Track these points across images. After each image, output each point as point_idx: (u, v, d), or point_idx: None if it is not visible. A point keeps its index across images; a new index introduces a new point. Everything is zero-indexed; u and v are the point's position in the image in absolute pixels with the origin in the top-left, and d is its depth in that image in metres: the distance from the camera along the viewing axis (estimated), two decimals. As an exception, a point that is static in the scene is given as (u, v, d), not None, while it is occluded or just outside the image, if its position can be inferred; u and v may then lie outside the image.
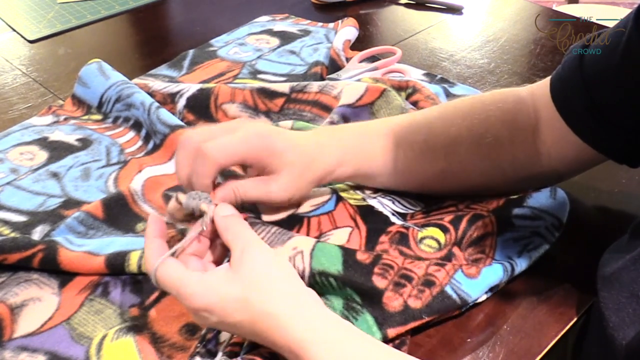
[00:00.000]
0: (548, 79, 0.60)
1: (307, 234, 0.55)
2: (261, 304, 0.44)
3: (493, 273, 0.54)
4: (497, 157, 0.59)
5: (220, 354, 0.49)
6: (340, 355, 0.43)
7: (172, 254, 0.49)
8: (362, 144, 0.59)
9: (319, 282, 0.50)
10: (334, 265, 0.50)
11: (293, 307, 0.45)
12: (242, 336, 0.48)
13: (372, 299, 0.50)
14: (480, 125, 0.59)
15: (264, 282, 0.46)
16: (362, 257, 0.51)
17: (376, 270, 0.51)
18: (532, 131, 0.59)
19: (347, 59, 0.89)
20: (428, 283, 0.51)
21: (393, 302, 0.50)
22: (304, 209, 0.56)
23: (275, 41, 0.96)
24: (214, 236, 0.51)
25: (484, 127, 0.59)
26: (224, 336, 0.51)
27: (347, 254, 0.51)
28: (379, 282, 0.50)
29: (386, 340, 0.49)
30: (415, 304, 0.50)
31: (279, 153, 0.53)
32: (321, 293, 0.50)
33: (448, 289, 0.51)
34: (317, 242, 0.51)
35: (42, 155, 0.73)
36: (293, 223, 0.54)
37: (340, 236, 0.55)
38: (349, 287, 0.50)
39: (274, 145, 0.53)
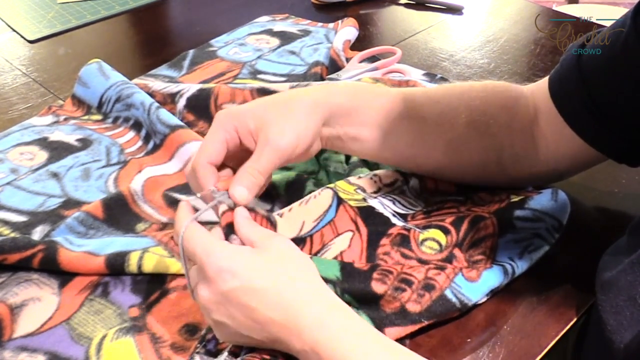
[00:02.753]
0: (546, 78, 0.60)
1: (310, 250, 0.55)
2: (292, 276, 0.46)
3: (493, 276, 0.54)
4: (494, 140, 0.58)
5: (225, 354, 0.49)
6: (361, 331, 0.45)
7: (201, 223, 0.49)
8: (362, 93, 0.58)
9: None
10: (333, 272, 0.50)
11: (319, 286, 0.47)
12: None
13: (369, 302, 0.50)
14: (480, 102, 0.59)
15: (294, 261, 0.47)
16: (360, 265, 0.51)
17: (375, 275, 0.51)
18: (530, 123, 0.59)
19: (347, 59, 0.89)
20: (428, 287, 0.51)
21: (391, 305, 0.50)
22: (306, 228, 0.56)
23: (275, 41, 0.96)
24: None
25: (483, 105, 0.59)
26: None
27: (345, 263, 0.51)
28: (377, 287, 0.50)
29: None
30: (414, 308, 0.50)
31: (251, 110, 0.53)
32: None
33: (448, 293, 0.51)
34: (310, 257, 0.51)
35: (42, 155, 0.73)
36: (296, 244, 0.54)
37: (341, 243, 0.55)
38: (347, 294, 0.50)
39: (238, 108, 0.53)
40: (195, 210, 0.51)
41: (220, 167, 0.53)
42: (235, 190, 0.50)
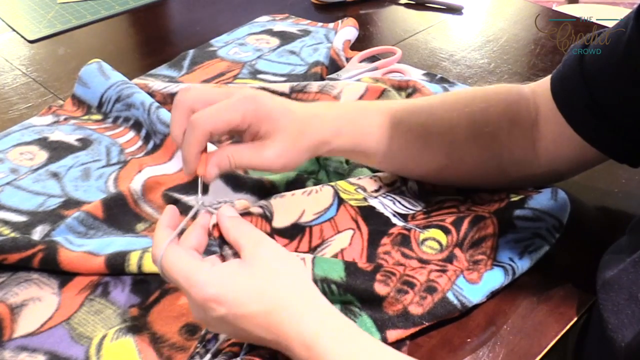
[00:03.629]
0: (548, 77, 0.60)
1: (310, 243, 0.55)
2: (278, 295, 0.44)
3: (494, 278, 0.54)
4: (495, 149, 0.59)
5: (211, 352, 0.49)
6: (352, 348, 0.43)
7: (178, 237, 0.49)
8: (360, 118, 0.57)
9: (319, 289, 0.49)
10: (336, 271, 0.50)
11: (309, 301, 0.45)
12: (244, 337, 0.47)
13: (372, 304, 0.50)
14: (481, 114, 0.59)
15: (282, 274, 0.46)
16: (364, 265, 0.51)
17: (378, 277, 0.51)
18: (531, 127, 0.59)
19: (347, 59, 0.89)
20: (430, 289, 0.51)
21: (393, 307, 0.50)
22: (306, 217, 0.56)
23: (275, 41, 0.96)
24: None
25: (485, 116, 0.59)
26: (224, 337, 0.51)
27: (348, 263, 0.51)
28: (380, 289, 0.50)
29: (385, 342, 0.49)
30: (416, 310, 0.50)
31: (272, 117, 0.52)
32: None
33: (450, 295, 0.51)
34: (314, 257, 0.51)
35: (42, 155, 0.73)
36: (295, 233, 0.54)
37: (342, 240, 0.55)
38: (350, 294, 0.50)
39: (268, 109, 0.52)
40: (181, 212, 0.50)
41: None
42: (211, 169, 0.51)
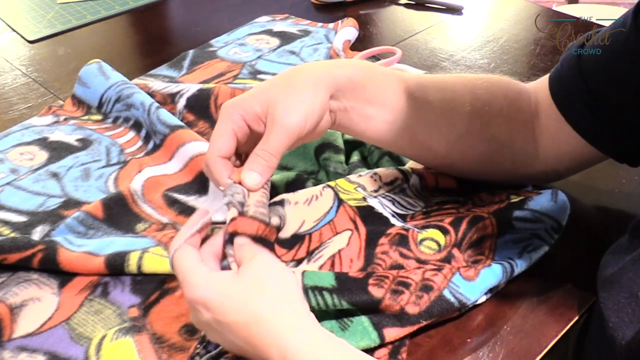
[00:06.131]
0: (546, 76, 0.60)
1: (308, 248, 0.55)
2: (260, 307, 0.44)
3: (492, 274, 0.53)
4: (496, 133, 0.58)
5: (212, 355, 0.49)
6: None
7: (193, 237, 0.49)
8: (376, 77, 0.57)
9: (311, 299, 0.49)
10: (327, 280, 0.49)
11: (294, 317, 0.44)
12: (228, 346, 0.47)
13: (368, 307, 0.50)
14: (485, 93, 0.59)
15: (267, 287, 0.45)
16: (355, 274, 0.51)
17: (371, 281, 0.50)
18: (532, 118, 0.59)
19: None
20: (426, 288, 0.51)
21: (390, 309, 0.50)
22: (306, 227, 0.55)
23: (275, 41, 0.96)
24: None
25: (488, 96, 0.58)
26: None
27: (339, 273, 0.51)
28: (375, 291, 0.49)
29: (383, 341, 0.49)
30: (413, 310, 0.50)
31: (251, 98, 0.52)
32: (312, 310, 0.50)
33: (446, 293, 0.51)
34: (304, 271, 0.50)
35: (42, 155, 0.73)
36: (294, 242, 0.54)
37: (339, 241, 0.55)
38: (344, 300, 0.49)
39: (244, 98, 0.52)
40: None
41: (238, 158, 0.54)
42: (247, 176, 0.51)
